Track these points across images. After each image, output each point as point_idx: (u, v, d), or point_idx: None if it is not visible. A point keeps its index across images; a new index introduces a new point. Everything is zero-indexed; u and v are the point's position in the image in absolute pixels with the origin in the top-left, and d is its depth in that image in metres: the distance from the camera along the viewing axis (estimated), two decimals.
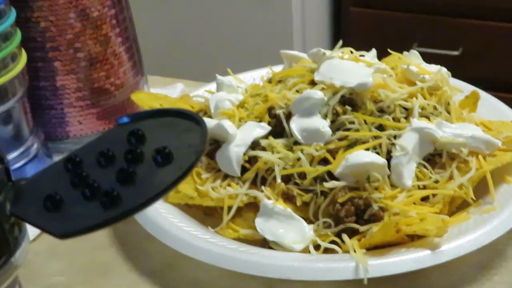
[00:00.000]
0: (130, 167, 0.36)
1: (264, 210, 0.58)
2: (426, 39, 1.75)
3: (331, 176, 0.58)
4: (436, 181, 0.59)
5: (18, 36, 0.66)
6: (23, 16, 0.69)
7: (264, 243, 0.58)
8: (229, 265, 0.54)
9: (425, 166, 0.60)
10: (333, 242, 0.56)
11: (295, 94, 0.64)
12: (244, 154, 0.61)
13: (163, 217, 0.59)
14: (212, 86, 0.74)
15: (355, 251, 0.54)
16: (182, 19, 1.81)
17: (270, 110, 0.64)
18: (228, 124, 0.62)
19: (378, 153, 0.59)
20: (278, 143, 0.61)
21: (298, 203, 0.59)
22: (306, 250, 0.56)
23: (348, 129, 0.60)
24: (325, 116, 0.61)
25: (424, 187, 0.59)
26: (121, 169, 0.36)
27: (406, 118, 0.62)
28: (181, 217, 0.60)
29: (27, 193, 0.38)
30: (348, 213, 0.56)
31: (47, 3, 0.69)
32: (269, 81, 0.70)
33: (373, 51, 0.70)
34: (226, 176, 0.62)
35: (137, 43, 0.80)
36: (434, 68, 0.67)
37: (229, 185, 0.61)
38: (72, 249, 0.63)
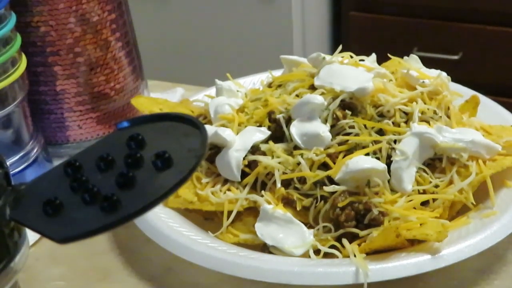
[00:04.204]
0: (130, 171, 0.36)
1: (264, 215, 0.58)
2: (426, 43, 1.75)
3: (331, 180, 0.58)
4: (436, 186, 0.59)
5: (18, 40, 0.66)
6: (23, 21, 0.69)
7: (264, 248, 0.58)
8: (229, 270, 0.54)
9: (425, 171, 0.60)
10: (333, 246, 0.56)
11: (295, 99, 0.64)
12: (244, 159, 0.61)
13: (163, 222, 0.59)
14: (212, 91, 0.74)
15: (355, 255, 0.54)
16: (182, 24, 1.81)
17: (270, 114, 0.64)
18: (226, 133, 0.62)
19: (378, 158, 0.59)
20: (278, 147, 0.61)
21: (298, 207, 0.59)
22: (306, 255, 0.56)
23: (348, 134, 0.60)
24: (325, 121, 0.61)
25: (424, 192, 0.59)
26: (121, 174, 0.36)
27: (406, 122, 0.62)
28: (181, 222, 0.60)
29: (26, 197, 0.38)
30: (348, 218, 0.56)
31: (47, 8, 0.69)
32: (269, 85, 0.70)
33: (373, 56, 0.70)
34: (226, 181, 0.62)
35: (137, 47, 0.80)
36: (434, 72, 0.67)
37: (229, 189, 0.61)
38: (72, 254, 0.62)
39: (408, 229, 0.54)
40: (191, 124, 0.39)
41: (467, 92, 0.71)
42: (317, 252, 0.56)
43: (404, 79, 0.66)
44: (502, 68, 1.74)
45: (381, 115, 0.62)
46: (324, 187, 0.58)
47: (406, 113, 0.62)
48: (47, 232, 0.35)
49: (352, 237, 0.56)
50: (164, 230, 0.58)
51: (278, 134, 0.62)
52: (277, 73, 0.74)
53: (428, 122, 0.62)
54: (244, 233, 0.59)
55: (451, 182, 0.59)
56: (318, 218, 0.58)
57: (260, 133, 0.62)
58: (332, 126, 0.61)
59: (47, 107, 0.74)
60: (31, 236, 0.40)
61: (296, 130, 0.61)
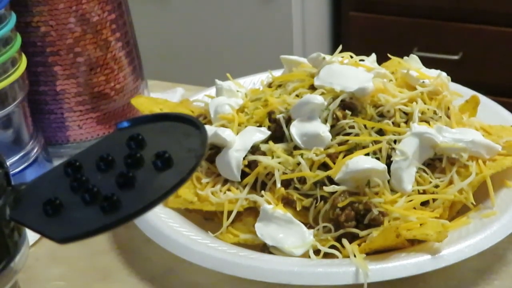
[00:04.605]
0: (130, 171, 0.36)
1: (264, 215, 0.58)
2: (426, 43, 1.75)
3: (331, 181, 0.58)
4: (436, 186, 0.59)
5: (18, 40, 0.66)
6: (23, 21, 0.69)
7: (264, 248, 0.58)
8: (229, 270, 0.54)
9: (425, 171, 0.60)
10: (333, 247, 0.56)
11: (295, 99, 0.64)
12: (244, 159, 0.61)
13: (163, 222, 0.59)
14: (212, 91, 0.74)
15: (355, 255, 0.54)
16: (182, 24, 1.81)
17: (270, 114, 0.64)
18: (226, 133, 0.62)
19: (378, 158, 0.59)
20: (278, 147, 0.61)
21: (298, 207, 0.59)
22: (306, 255, 0.56)
23: (348, 134, 0.60)
24: (325, 121, 0.61)
25: (424, 192, 0.59)
26: (121, 174, 0.36)
27: (406, 122, 0.62)
28: (181, 222, 0.60)
29: (26, 197, 0.38)
30: (348, 218, 0.56)
31: (47, 8, 0.69)
32: (269, 85, 0.70)
33: (373, 56, 0.70)
34: (226, 181, 0.62)
35: (137, 47, 0.80)
36: (434, 72, 0.67)
37: (229, 189, 0.61)
38: (72, 254, 0.62)
39: (408, 229, 0.54)
40: (191, 124, 0.39)
41: (467, 92, 0.71)
42: (317, 252, 0.56)
43: (404, 79, 0.66)
44: (502, 68, 1.74)
45: (381, 115, 0.62)
46: (324, 187, 0.58)
47: (406, 113, 0.62)
48: (47, 232, 0.35)
49: (352, 237, 0.56)
50: (164, 230, 0.58)
51: (278, 134, 0.62)
52: (277, 73, 0.74)
53: (428, 122, 0.62)
54: (244, 233, 0.59)
55: (451, 182, 0.59)
56: (318, 218, 0.58)
57: (260, 133, 0.62)
58: (332, 126, 0.61)
59: (47, 107, 0.74)
60: (31, 236, 0.40)
61: (296, 130, 0.61)
